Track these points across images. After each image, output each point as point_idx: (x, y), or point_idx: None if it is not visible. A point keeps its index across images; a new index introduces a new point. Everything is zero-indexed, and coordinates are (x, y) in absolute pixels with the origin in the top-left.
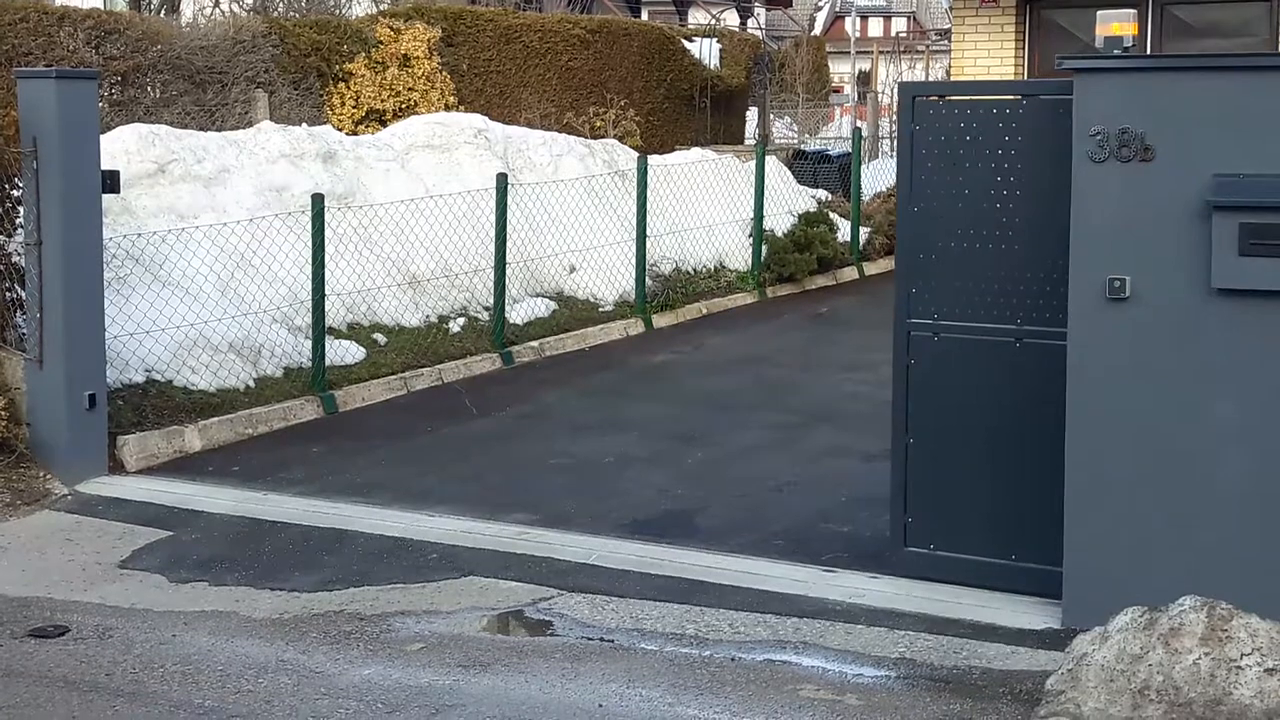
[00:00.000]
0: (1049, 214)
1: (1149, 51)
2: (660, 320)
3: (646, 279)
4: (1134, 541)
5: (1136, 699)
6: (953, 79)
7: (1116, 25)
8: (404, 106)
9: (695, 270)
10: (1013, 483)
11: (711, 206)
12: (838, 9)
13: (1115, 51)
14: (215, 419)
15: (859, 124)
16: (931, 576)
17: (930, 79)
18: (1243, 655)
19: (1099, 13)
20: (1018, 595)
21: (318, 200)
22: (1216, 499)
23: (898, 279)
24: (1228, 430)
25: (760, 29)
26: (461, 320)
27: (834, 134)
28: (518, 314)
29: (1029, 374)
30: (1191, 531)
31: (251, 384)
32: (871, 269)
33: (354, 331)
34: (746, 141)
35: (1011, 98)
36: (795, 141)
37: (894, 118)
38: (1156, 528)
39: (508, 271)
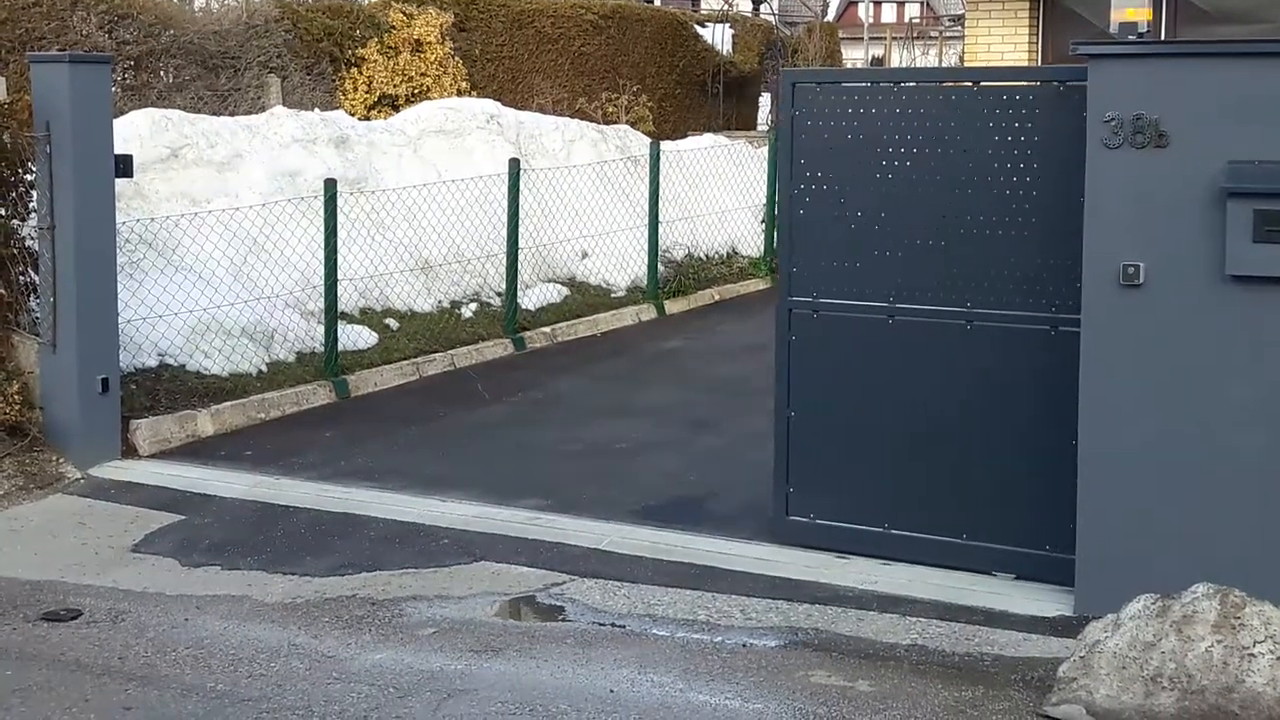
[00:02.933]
0: (921, 194)
1: (1163, 38)
2: (673, 306)
3: (659, 265)
4: (1146, 529)
5: (1149, 686)
6: (967, 65)
7: (1131, 11)
8: (416, 92)
9: (708, 256)
10: (887, 454)
11: (724, 192)
12: None
13: (1130, 37)
14: (228, 403)
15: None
16: (812, 544)
17: (944, 66)
18: (1255, 643)
19: None
20: (1030, 583)
21: (330, 185)
22: (1230, 486)
23: (780, 259)
24: (1242, 417)
25: (773, 14)
26: (474, 305)
27: None
28: (530, 299)
29: (902, 349)
30: (1205, 519)
31: (264, 368)
32: None
33: (366, 316)
34: (759, 127)
35: (885, 84)
36: None
37: None
38: (1169, 515)
39: (520, 257)
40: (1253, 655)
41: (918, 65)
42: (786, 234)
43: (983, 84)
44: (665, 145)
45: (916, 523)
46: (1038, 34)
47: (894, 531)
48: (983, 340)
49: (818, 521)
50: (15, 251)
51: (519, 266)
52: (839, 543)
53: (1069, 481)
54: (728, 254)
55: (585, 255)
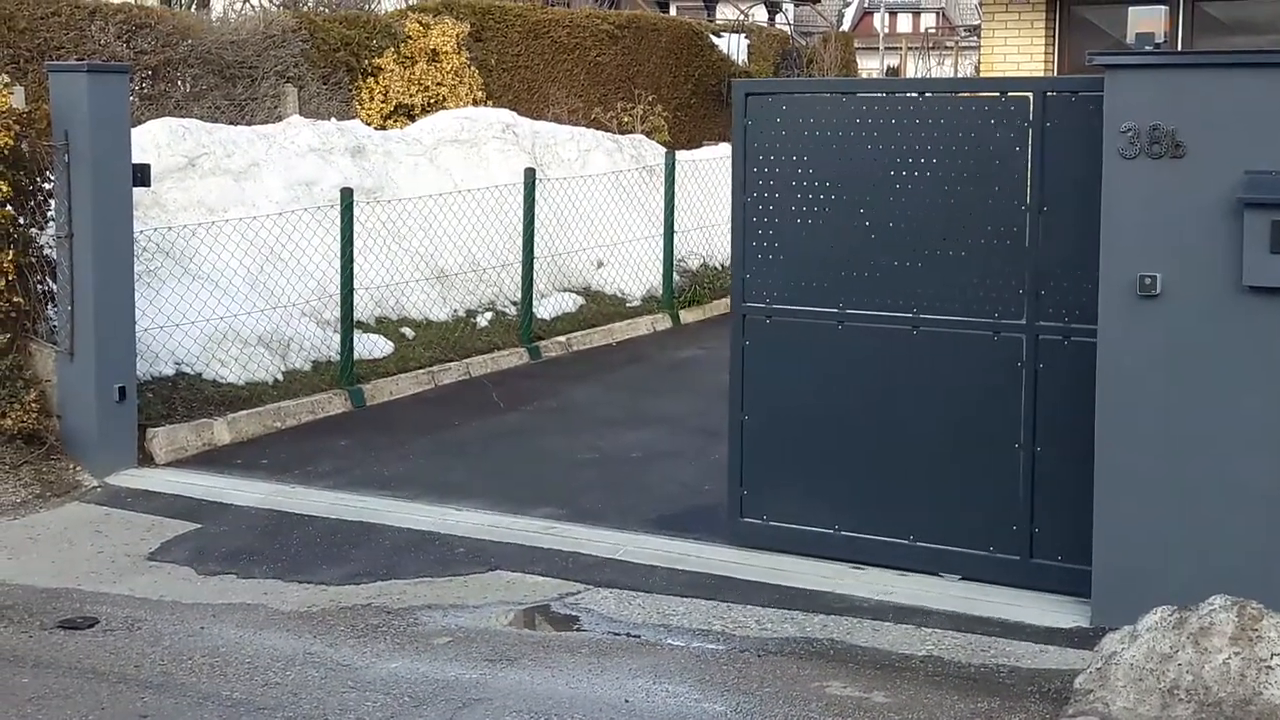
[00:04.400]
0: (870, 202)
1: (1180, 48)
2: (688, 316)
3: (674, 274)
4: (1163, 540)
5: (1166, 698)
6: (983, 75)
7: (1148, 21)
8: (432, 101)
9: (723, 266)
10: (836, 457)
11: None
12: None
13: (1146, 48)
14: (244, 412)
15: None
16: (764, 546)
17: (960, 75)
18: (1273, 655)
19: (1130, 9)
20: (1045, 594)
21: (347, 194)
22: (1247, 497)
23: (734, 264)
24: (1259, 428)
25: (788, 25)
26: (489, 315)
27: None
28: (545, 309)
29: (852, 353)
30: (1222, 530)
31: (280, 377)
32: None
33: (382, 325)
34: None
35: (835, 94)
36: None
37: None
38: (1186, 526)
39: (535, 266)
40: (1270, 668)
41: (933, 75)
42: (740, 241)
43: (932, 94)
44: (680, 155)
45: (864, 524)
46: (1054, 44)
47: (843, 533)
48: (928, 345)
49: (770, 523)
50: (33, 260)
51: (534, 276)
52: (789, 544)
53: (1012, 483)
54: None
55: (600, 265)
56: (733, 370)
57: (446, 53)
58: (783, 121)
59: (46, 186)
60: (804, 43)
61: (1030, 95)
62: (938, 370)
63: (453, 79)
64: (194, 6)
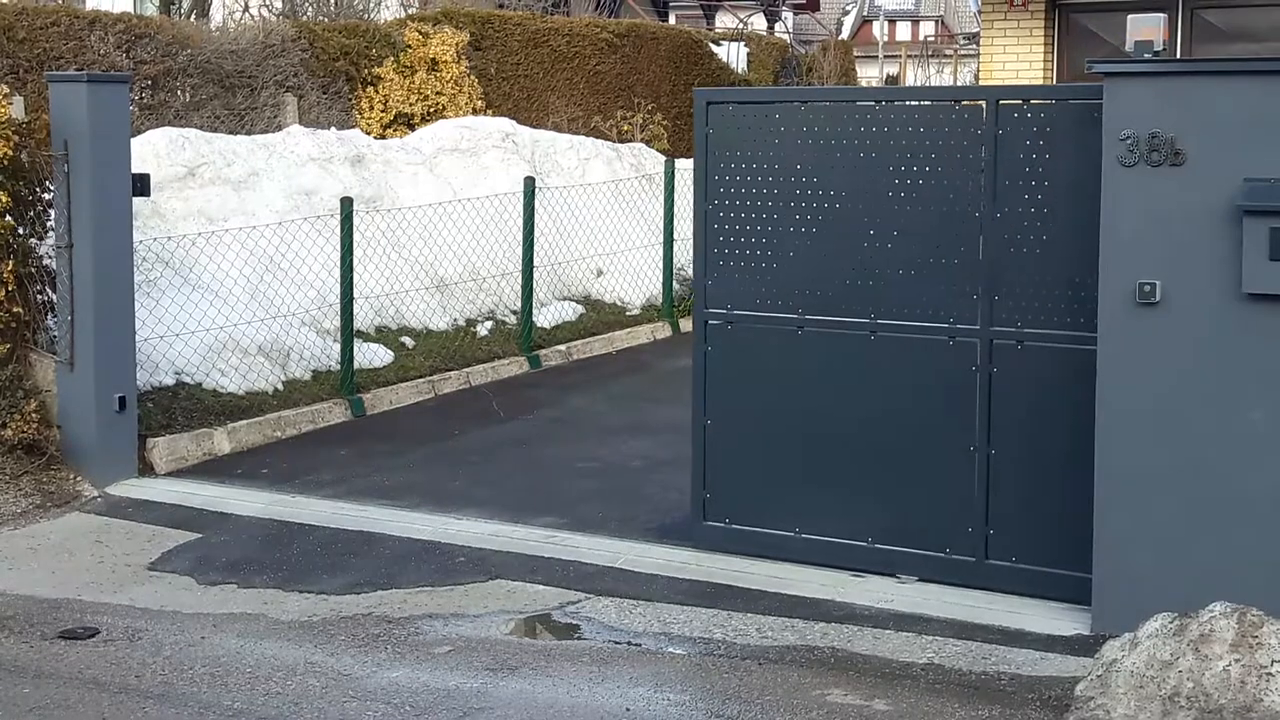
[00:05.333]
0: (828, 209)
1: (1179, 55)
2: (688, 324)
3: (674, 282)
4: (1163, 547)
5: (1166, 705)
6: (982, 83)
7: (1147, 29)
8: (432, 110)
9: None
10: (797, 460)
11: None
12: (865, 13)
13: (1145, 55)
14: (244, 421)
15: None
16: (728, 549)
17: (959, 84)
18: (1273, 662)
19: (1129, 17)
20: (1047, 601)
21: (346, 204)
22: (1247, 504)
23: (695, 271)
24: (1259, 435)
25: (788, 33)
26: (489, 324)
27: None
28: (545, 317)
29: (811, 358)
30: (1222, 537)
31: (280, 387)
32: None
33: (382, 335)
34: None
35: (793, 103)
36: None
37: None
38: (1186, 533)
39: (535, 275)
40: (1271, 674)
41: (932, 84)
42: (701, 248)
43: (889, 103)
44: (680, 163)
45: (823, 527)
46: (1053, 51)
47: (803, 536)
48: (886, 350)
49: (732, 526)
50: (33, 270)
51: (534, 284)
52: (751, 547)
53: (967, 486)
54: None
55: (600, 273)
56: (695, 376)
57: (446, 62)
58: (743, 130)
59: (46, 196)
60: (803, 51)
61: (984, 104)
62: (895, 375)
63: (452, 88)
64: (194, 16)
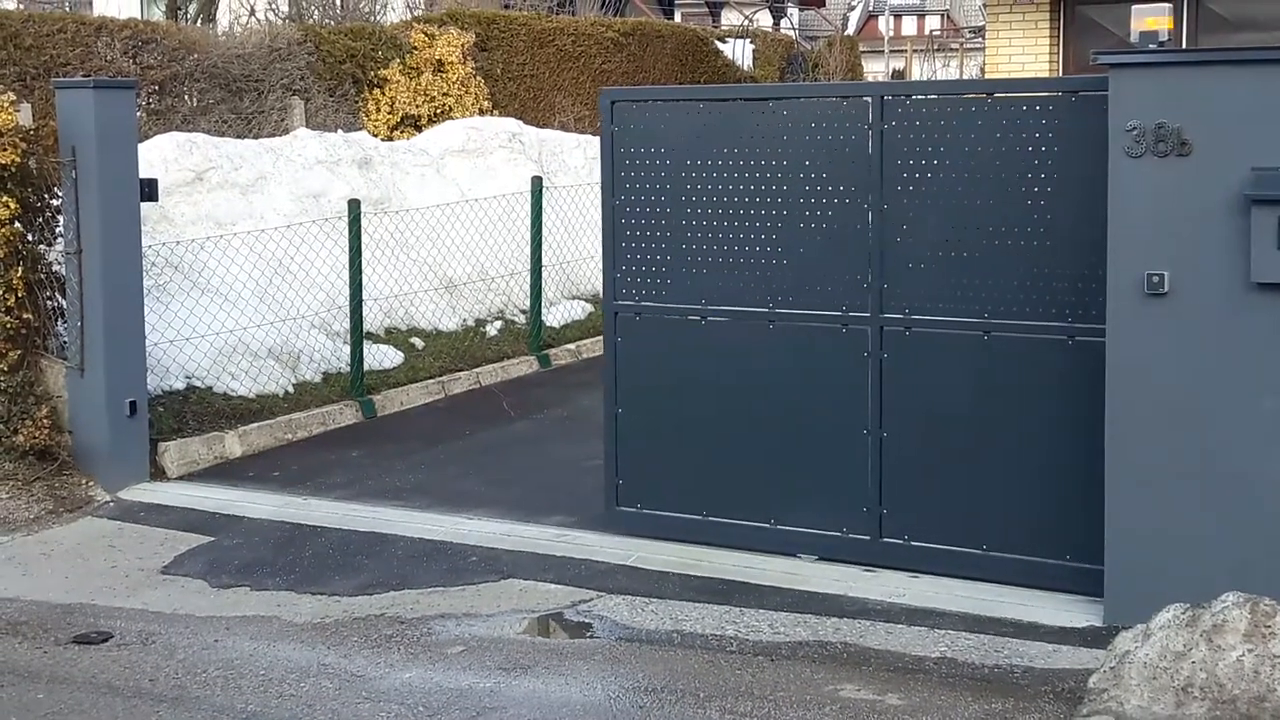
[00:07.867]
0: (729, 203)
1: (1184, 46)
2: None
3: None
4: (1175, 538)
5: (1180, 696)
6: (987, 76)
7: (1151, 20)
8: (439, 111)
9: None
10: (702, 446)
11: None
12: (871, 8)
13: (1150, 46)
14: (255, 425)
15: None
16: (639, 533)
17: (965, 77)
18: None
19: (1134, 7)
20: (1059, 594)
21: (354, 206)
22: (1259, 494)
23: (604, 264)
24: (1269, 425)
25: (793, 29)
26: (498, 324)
27: None
28: (554, 317)
29: (714, 347)
30: (1233, 527)
31: (290, 389)
32: None
33: (391, 336)
34: None
35: (694, 101)
36: None
37: None
38: (1197, 524)
39: (544, 274)
40: None
41: (938, 77)
42: (610, 242)
43: (782, 99)
44: None
45: (729, 509)
46: (1058, 44)
47: (709, 518)
48: (783, 337)
49: (643, 511)
50: (43, 276)
51: (543, 284)
52: (660, 530)
53: (862, 467)
54: None
55: None
56: (606, 366)
57: (452, 63)
58: (646, 127)
59: (55, 203)
60: (809, 47)
61: (869, 99)
62: (792, 361)
63: (459, 89)
64: (200, 21)
